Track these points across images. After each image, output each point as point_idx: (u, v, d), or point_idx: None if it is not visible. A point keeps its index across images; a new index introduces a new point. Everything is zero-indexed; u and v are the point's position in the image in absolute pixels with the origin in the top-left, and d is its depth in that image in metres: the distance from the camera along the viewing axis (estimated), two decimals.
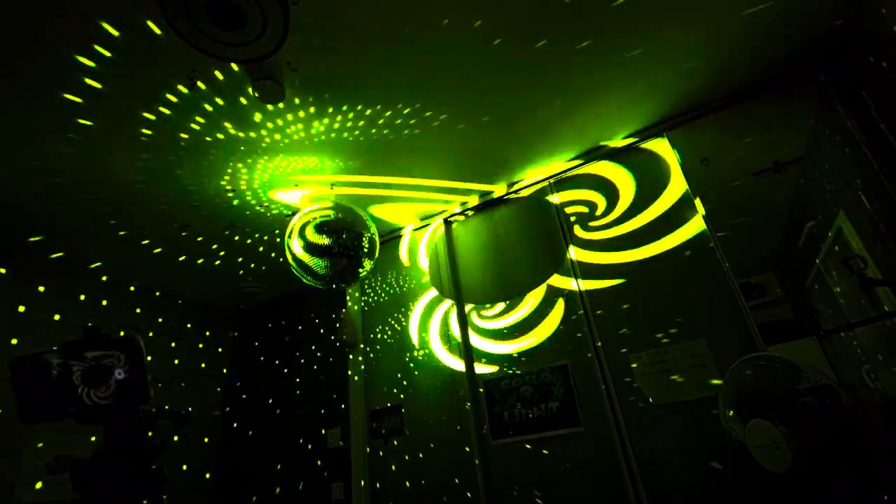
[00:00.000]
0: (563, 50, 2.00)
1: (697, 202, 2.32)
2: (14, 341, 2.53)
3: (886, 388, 2.24)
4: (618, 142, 2.63)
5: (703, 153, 2.56)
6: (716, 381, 2.04)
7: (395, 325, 3.04)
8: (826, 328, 2.66)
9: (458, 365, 2.71)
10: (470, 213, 3.05)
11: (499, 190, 2.93)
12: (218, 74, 1.85)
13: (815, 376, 1.53)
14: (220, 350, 3.82)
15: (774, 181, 2.62)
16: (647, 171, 2.54)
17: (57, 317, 2.75)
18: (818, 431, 1.45)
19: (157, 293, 3.44)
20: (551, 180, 2.80)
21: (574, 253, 2.58)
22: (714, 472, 1.95)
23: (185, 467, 3.20)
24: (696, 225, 2.31)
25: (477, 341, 2.72)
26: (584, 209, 2.66)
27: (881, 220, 2.05)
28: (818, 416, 1.47)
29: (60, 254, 2.84)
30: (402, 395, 2.84)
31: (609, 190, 2.62)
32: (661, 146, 2.54)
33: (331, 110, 2.13)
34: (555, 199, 2.76)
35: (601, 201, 2.63)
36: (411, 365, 2.88)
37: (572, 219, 2.66)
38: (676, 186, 2.42)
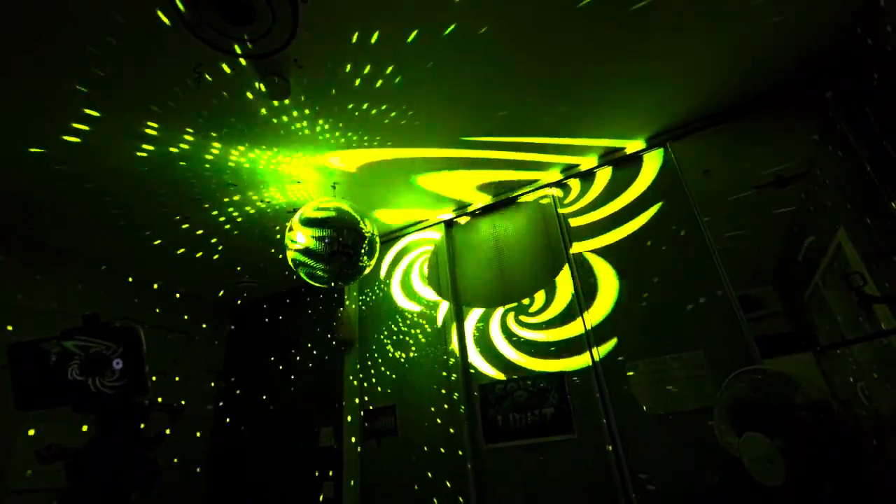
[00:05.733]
0: (570, 61, 2.01)
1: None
2: (10, 328, 2.52)
3: (881, 406, 2.24)
4: (620, 152, 2.64)
5: (705, 165, 2.57)
6: (712, 393, 2.04)
7: (392, 326, 3.04)
8: (823, 344, 2.66)
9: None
10: (468, 217, 3.05)
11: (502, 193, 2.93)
12: (225, 68, 1.85)
13: (810, 391, 1.53)
14: (216, 344, 3.81)
15: (776, 195, 2.63)
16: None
17: (54, 304, 2.74)
18: (813, 446, 1.45)
19: (155, 285, 3.43)
20: (554, 187, 2.81)
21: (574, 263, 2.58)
22: (707, 485, 1.94)
23: (175, 460, 3.18)
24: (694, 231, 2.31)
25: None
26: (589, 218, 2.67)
27: (881, 236, 2.06)
28: (813, 432, 1.47)
29: (59, 242, 2.84)
30: (396, 396, 2.83)
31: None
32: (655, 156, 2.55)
33: (336, 108, 2.13)
34: (556, 204, 2.76)
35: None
36: (407, 366, 2.87)
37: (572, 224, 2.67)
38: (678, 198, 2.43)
